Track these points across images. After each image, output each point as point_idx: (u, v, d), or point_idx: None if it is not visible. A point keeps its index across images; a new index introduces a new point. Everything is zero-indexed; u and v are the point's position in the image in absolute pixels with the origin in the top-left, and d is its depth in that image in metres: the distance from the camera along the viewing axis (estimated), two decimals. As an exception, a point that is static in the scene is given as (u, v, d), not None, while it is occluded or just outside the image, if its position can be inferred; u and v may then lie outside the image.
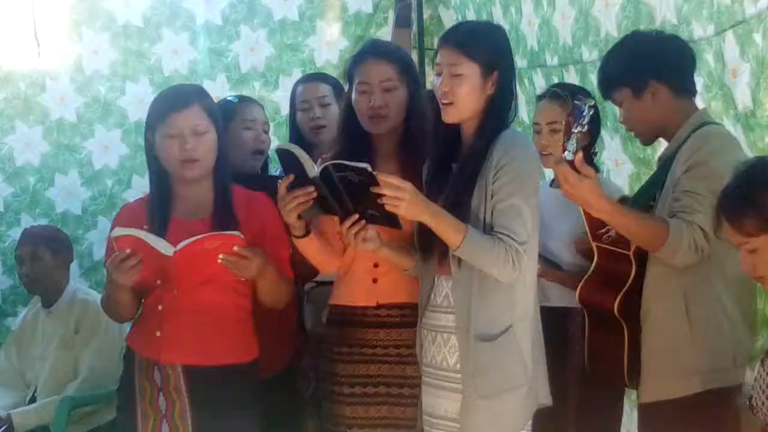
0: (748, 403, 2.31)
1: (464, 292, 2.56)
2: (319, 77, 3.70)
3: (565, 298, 3.00)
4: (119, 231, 2.64)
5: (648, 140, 2.82)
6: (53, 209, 4.51)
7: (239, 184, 2.90)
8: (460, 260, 2.54)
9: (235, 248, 2.63)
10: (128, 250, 2.59)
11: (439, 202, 2.55)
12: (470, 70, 2.55)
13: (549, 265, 3.09)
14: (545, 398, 2.64)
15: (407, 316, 2.78)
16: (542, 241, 2.93)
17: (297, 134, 3.56)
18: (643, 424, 2.77)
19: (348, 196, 2.50)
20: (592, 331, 2.83)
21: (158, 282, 2.76)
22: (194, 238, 2.61)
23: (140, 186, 4.33)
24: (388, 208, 2.43)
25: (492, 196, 2.52)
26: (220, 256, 2.63)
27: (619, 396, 3.13)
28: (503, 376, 2.53)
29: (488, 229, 2.52)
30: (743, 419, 2.53)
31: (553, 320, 2.97)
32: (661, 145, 2.83)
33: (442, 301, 2.63)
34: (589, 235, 2.77)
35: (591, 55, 3.63)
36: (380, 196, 2.42)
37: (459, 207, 2.54)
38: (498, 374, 2.53)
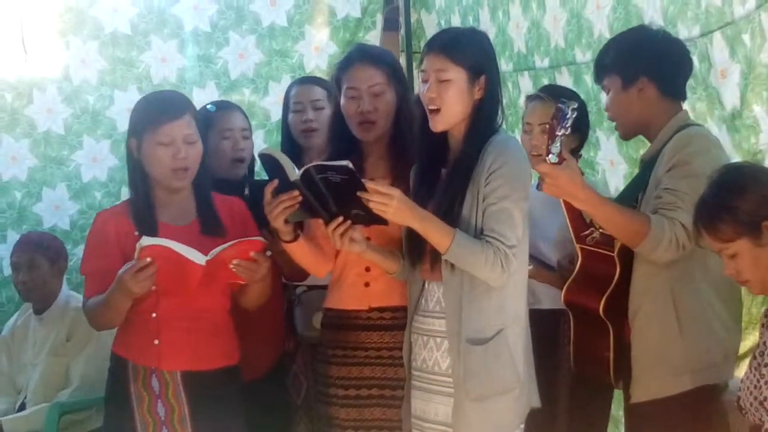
0: (736, 403, 2.31)
1: (455, 296, 2.55)
2: (314, 80, 3.67)
3: (555, 300, 3.01)
4: (148, 240, 2.57)
5: (626, 134, 2.81)
6: (41, 224, 4.42)
7: (219, 192, 2.90)
8: (452, 264, 2.52)
9: (252, 254, 2.62)
10: (149, 259, 2.54)
11: (429, 208, 2.54)
12: (457, 75, 2.54)
13: (541, 266, 3.10)
14: (535, 401, 2.63)
15: (399, 319, 2.78)
16: (533, 242, 2.92)
17: (289, 136, 3.51)
18: (632, 424, 2.77)
19: (331, 197, 2.48)
20: (578, 332, 2.84)
21: (153, 288, 2.70)
22: (223, 246, 2.61)
23: (130, 197, 4.27)
24: (375, 213, 2.42)
25: (483, 200, 2.51)
26: (234, 261, 2.61)
27: (608, 397, 3.14)
28: (495, 379, 2.53)
29: (479, 233, 2.51)
30: (731, 417, 2.54)
31: (543, 322, 3.01)
32: (647, 146, 2.82)
33: (434, 306, 2.63)
34: (572, 236, 2.79)
35: (585, 56, 3.62)
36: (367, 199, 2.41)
37: (451, 212, 2.54)
38: (490, 377, 2.52)
